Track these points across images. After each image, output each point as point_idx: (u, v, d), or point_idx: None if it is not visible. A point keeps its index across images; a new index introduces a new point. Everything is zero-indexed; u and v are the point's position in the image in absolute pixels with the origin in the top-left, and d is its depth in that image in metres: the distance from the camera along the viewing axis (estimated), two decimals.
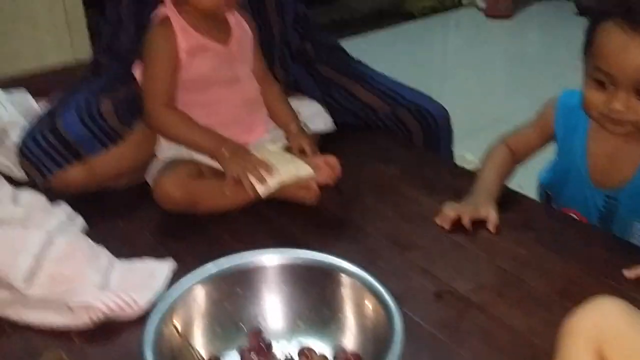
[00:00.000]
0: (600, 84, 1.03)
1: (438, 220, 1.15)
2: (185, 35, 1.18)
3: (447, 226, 1.14)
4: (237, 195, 1.21)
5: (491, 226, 1.13)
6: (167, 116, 1.20)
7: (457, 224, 1.14)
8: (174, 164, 1.21)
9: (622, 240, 1.12)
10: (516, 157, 1.25)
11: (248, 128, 1.29)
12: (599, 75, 1.02)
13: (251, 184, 1.17)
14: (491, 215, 1.13)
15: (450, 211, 1.15)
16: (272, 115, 1.33)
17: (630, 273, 1.02)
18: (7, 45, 2.31)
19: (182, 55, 1.18)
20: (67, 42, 2.41)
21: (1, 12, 2.30)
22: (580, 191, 1.17)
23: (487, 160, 1.24)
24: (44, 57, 2.22)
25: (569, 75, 3.35)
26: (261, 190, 1.17)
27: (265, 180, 1.17)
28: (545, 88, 3.04)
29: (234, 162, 1.18)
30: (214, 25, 1.22)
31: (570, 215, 1.20)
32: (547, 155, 1.28)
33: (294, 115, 1.32)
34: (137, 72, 1.25)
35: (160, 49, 1.18)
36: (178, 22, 1.18)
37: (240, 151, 1.20)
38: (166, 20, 1.18)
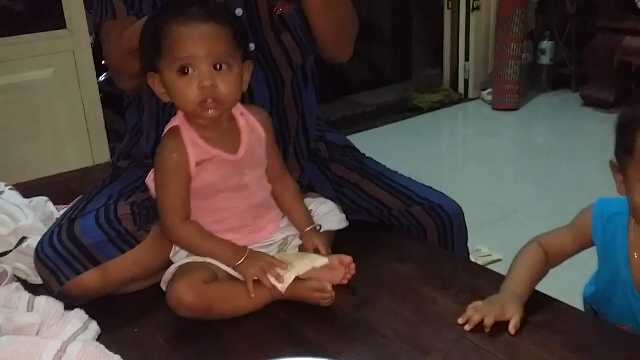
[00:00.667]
0: None
1: (461, 321, 1.13)
2: (195, 148, 1.20)
3: (468, 328, 1.11)
4: (252, 299, 1.20)
5: (511, 326, 1.09)
6: (185, 232, 1.22)
7: (480, 325, 1.12)
8: (188, 269, 1.21)
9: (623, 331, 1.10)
10: (549, 259, 1.20)
11: (256, 230, 1.29)
12: None
13: (270, 283, 1.18)
14: (515, 317, 1.10)
15: (475, 315, 1.12)
16: (287, 214, 1.34)
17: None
18: (30, 151, 2.38)
19: (192, 166, 1.20)
20: (87, 148, 2.48)
21: (23, 118, 2.39)
22: (627, 304, 1.12)
23: (518, 259, 1.20)
24: (65, 163, 2.28)
25: (578, 164, 3.41)
26: (280, 286, 1.18)
27: (281, 277, 1.18)
28: (555, 177, 3.10)
29: (251, 266, 1.20)
30: (224, 133, 1.23)
31: (599, 319, 1.16)
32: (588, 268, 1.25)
33: (309, 215, 1.33)
34: (150, 182, 1.28)
35: (171, 163, 1.20)
36: (188, 133, 1.20)
37: (256, 255, 1.22)
38: (176, 131, 1.20)
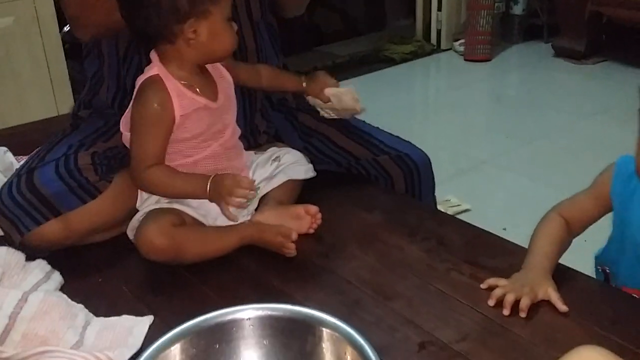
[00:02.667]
0: None
1: (491, 303, 1.05)
2: (180, 98, 1.18)
3: (507, 312, 1.02)
4: (221, 242, 1.21)
5: (558, 306, 1.02)
6: (153, 175, 1.19)
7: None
8: (156, 213, 1.20)
9: (615, 290, 1.09)
10: (571, 228, 1.12)
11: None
12: None
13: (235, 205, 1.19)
14: (552, 295, 1.03)
15: (509, 295, 1.03)
16: (277, 84, 1.43)
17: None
18: None
19: (177, 118, 1.18)
20: (50, 98, 2.42)
21: None
22: (638, 265, 1.06)
23: (539, 231, 1.12)
24: (28, 114, 2.22)
25: (549, 116, 3.43)
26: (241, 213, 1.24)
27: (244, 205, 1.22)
28: (526, 129, 3.11)
29: (217, 194, 1.18)
30: (203, 82, 1.22)
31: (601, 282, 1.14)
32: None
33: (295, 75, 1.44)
34: (123, 130, 1.24)
35: (155, 118, 1.17)
36: (171, 82, 1.17)
37: (219, 178, 1.18)
38: (158, 81, 1.17)
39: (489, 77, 3.87)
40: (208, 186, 1.18)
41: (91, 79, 1.45)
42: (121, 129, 1.26)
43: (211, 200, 1.20)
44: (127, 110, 1.24)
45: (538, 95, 3.55)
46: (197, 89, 1.20)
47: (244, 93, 1.37)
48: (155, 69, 1.19)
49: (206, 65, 1.24)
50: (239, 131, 1.31)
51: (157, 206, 1.23)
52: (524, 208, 2.46)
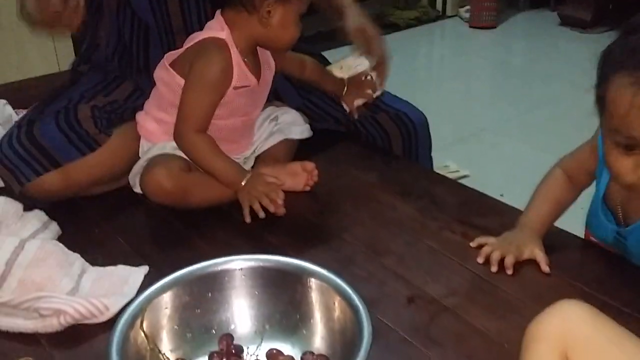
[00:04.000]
0: (625, 147, 0.85)
1: (480, 260, 1.06)
2: (239, 71, 1.20)
3: (494, 269, 1.04)
4: (222, 189, 1.23)
5: (542, 266, 1.03)
6: (199, 141, 1.20)
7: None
8: (164, 157, 1.22)
9: (606, 251, 1.10)
10: (574, 181, 1.09)
11: (238, 138, 1.32)
12: (619, 138, 0.84)
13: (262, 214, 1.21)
14: (538, 256, 1.04)
15: (495, 253, 1.05)
16: (319, 82, 1.43)
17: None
18: None
19: (230, 89, 1.20)
20: (51, 54, 2.41)
21: None
22: (600, 221, 1.04)
23: (538, 190, 1.10)
24: (29, 70, 2.22)
25: (552, 84, 3.40)
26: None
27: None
28: (528, 97, 3.10)
29: (248, 193, 1.21)
30: (253, 61, 1.24)
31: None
32: None
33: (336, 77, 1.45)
34: (166, 61, 1.24)
35: (216, 82, 1.18)
36: (235, 54, 1.19)
37: (256, 179, 1.21)
38: (225, 48, 1.18)
39: (494, 45, 3.83)
40: (245, 180, 1.20)
41: (91, 34, 1.45)
42: (165, 63, 1.24)
43: (238, 194, 1.22)
44: (177, 52, 1.23)
45: (542, 63, 3.52)
46: (250, 66, 1.22)
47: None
48: (223, 32, 1.19)
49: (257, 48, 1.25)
50: (257, 116, 1.34)
51: (163, 151, 1.24)
52: (523, 175, 2.44)
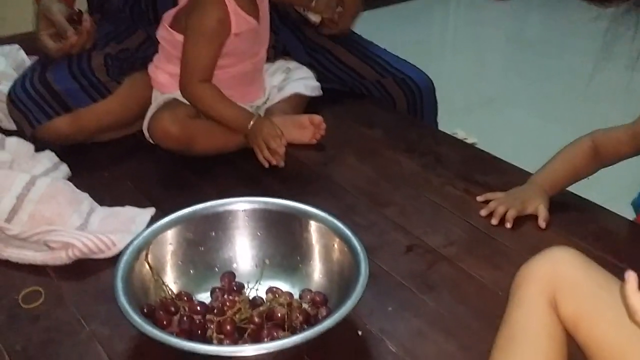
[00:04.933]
0: None
1: (483, 212, 1.08)
2: (237, 17, 1.20)
3: (495, 221, 1.06)
4: (229, 137, 1.25)
5: (541, 221, 1.04)
6: (203, 90, 1.22)
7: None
8: (172, 103, 1.24)
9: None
10: (600, 155, 1.08)
11: (248, 87, 1.33)
12: None
13: (264, 160, 1.23)
14: (540, 211, 1.05)
15: (499, 207, 1.07)
16: None
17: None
18: (8, 8, 2.31)
19: (231, 36, 1.21)
20: None
21: None
22: None
23: (561, 151, 1.10)
24: None
25: (567, 59, 3.38)
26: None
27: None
28: (541, 69, 3.09)
29: (256, 136, 1.22)
30: (252, 2, 1.24)
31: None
32: None
33: None
34: (165, 22, 1.25)
35: (214, 32, 1.19)
36: (230, 4, 1.19)
37: (261, 122, 1.23)
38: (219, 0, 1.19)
39: (509, 16, 3.81)
40: (251, 123, 1.22)
41: None
42: (164, 23, 1.26)
43: (246, 139, 1.24)
44: (176, 9, 1.25)
45: (557, 36, 3.50)
46: (248, 9, 1.23)
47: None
48: None
49: None
50: (264, 59, 1.34)
51: (173, 98, 1.26)
52: (531, 145, 2.46)
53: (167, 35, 1.26)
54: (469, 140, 2.47)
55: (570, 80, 2.99)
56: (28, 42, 1.68)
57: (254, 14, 1.24)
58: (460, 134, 2.49)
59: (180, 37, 1.23)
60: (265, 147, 1.22)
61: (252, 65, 1.31)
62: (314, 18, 1.45)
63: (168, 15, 1.27)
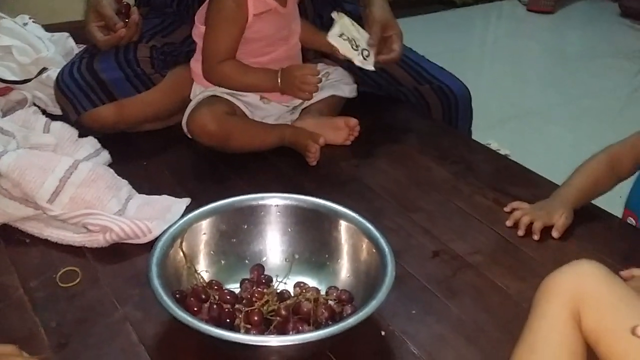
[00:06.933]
0: None
1: (509, 223, 1.10)
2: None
3: (521, 232, 1.08)
4: (264, 136, 1.28)
5: (554, 232, 1.07)
6: (224, 68, 1.25)
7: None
8: (210, 100, 1.27)
9: (635, 229, 1.11)
10: (618, 168, 1.11)
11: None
12: None
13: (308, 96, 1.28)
14: (561, 221, 1.07)
15: (524, 217, 1.09)
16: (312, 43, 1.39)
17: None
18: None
19: (250, 16, 1.23)
20: None
21: None
22: None
23: (581, 166, 1.13)
24: None
25: (605, 75, 3.35)
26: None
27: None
28: (580, 86, 3.07)
29: (288, 86, 1.26)
30: None
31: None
32: None
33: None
34: (198, 22, 1.30)
35: (230, 15, 1.22)
36: None
37: (287, 71, 1.26)
38: None
39: (550, 30, 3.78)
40: (279, 78, 1.25)
41: None
42: (196, 21, 1.31)
43: (282, 92, 1.27)
44: (203, 5, 1.29)
45: (597, 53, 3.46)
46: None
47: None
48: None
49: None
50: (299, 45, 1.37)
51: (212, 94, 1.29)
52: (564, 162, 2.44)
53: (197, 30, 1.30)
54: (502, 152, 2.48)
55: (608, 99, 2.96)
56: (77, 32, 1.74)
57: None
58: (494, 145, 2.50)
59: None
60: (304, 88, 1.25)
61: (285, 53, 1.33)
62: (367, 66, 1.33)
63: (200, 14, 1.30)
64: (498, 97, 2.92)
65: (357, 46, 1.29)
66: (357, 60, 1.29)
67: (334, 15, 1.30)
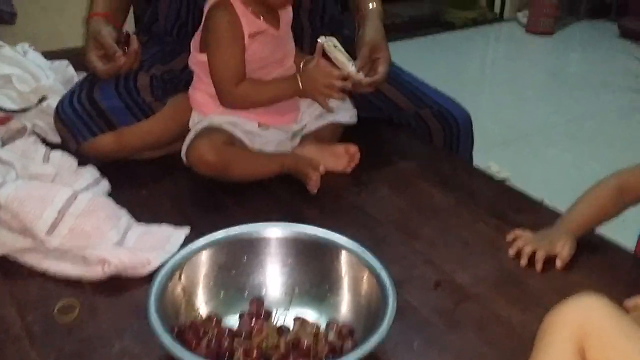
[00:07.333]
0: None
1: (511, 252, 1.08)
2: (247, 19, 1.23)
3: (524, 262, 1.06)
4: (264, 165, 1.28)
5: (558, 262, 1.05)
6: (241, 91, 1.25)
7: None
8: (209, 130, 1.27)
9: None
10: (625, 197, 1.08)
11: (283, 110, 1.34)
12: None
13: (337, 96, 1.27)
14: (562, 252, 1.05)
15: (527, 247, 1.07)
16: None
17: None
18: (58, 22, 2.40)
19: (246, 38, 1.23)
20: None
21: None
22: None
23: (586, 193, 1.10)
24: None
25: (605, 96, 3.37)
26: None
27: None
28: (579, 107, 3.07)
29: (313, 89, 1.26)
30: (267, 10, 1.27)
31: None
32: None
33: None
34: (194, 50, 1.30)
35: (227, 35, 1.22)
36: (238, 6, 1.23)
37: (307, 74, 1.26)
38: (227, 3, 1.22)
39: (549, 52, 3.80)
40: (300, 84, 1.26)
41: (152, 9, 1.51)
42: (192, 49, 1.31)
43: (304, 96, 1.28)
44: (196, 33, 1.29)
45: (597, 74, 3.48)
46: (261, 17, 1.25)
47: (294, 32, 1.40)
48: None
49: None
50: (294, 67, 1.36)
51: (208, 125, 1.28)
52: (565, 183, 2.45)
53: (193, 58, 1.31)
54: (502, 175, 2.48)
55: (608, 120, 2.97)
56: (77, 57, 1.75)
57: (270, 21, 1.27)
58: (494, 168, 2.50)
59: (204, 57, 1.26)
60: (327, 92, 1.25)
61: (280, 76, 1.32)
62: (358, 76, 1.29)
63: (195, 41, 1.31)
64: (497, 118, 2.93)
65: (348, 59, 1.28)
66: (349, 66, 1.27)
67: (321, 38, 1.29)
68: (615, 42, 3.81)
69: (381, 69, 1.33)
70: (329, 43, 1.28)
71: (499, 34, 4.07)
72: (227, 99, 1.27)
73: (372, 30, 1.38)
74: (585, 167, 2.46)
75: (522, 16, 3.98)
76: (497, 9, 4.12)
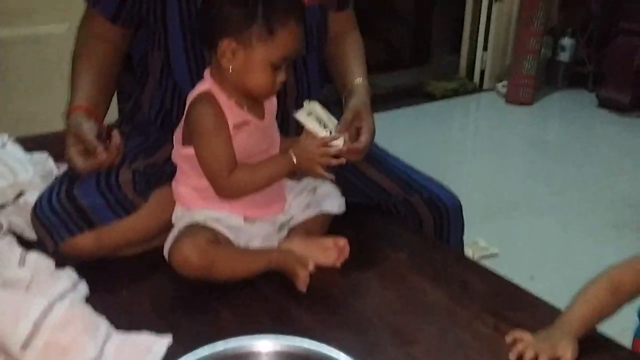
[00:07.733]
0: None
1: (512, 357, 1.04)
2: (231, 111, 1.21)
3: None
4: (250, 263, 1.24)
5: None
6: (236, 179, 1.22)
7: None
8: (192, 229, 1.23)
9: None
10: (621, 293, 1.07)
11: (269, 201, 1.31)
12: None
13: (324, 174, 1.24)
14: (566, 355, 1.02)
15: (529, 352, 1.03)
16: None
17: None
18: (40, 105, 2.37)
19: (231, 129, 1.21)
20: None
21: (35, 72, 2.37)
22: None
23: (583, 291, 1.09)
24: None
25: (586, 165, 3.40)
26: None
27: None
28: (563, 176, 3.08)
29: (306, 162, 1.23)
30: (251, 101, 1.25)
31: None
32: None
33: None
34: (177, 144, 1.28)
35: (214, 125, 1.20)
36: (221, 97, 1.21)
37: (300, 147, 1.23)
38: (209, 96, 1.21)
39: (529, 122, 3.85)
40: (294, 159, 1.22)
41: (135, 97, 1.49)
42: (175, 143, 1.29)
43: (301, 170, 1.25)
44: (178, 127, 1.27)
45: (577, 144, 3.52)
46: (245, 107, 1.24)
47: (279, 119, 1.39)
48: (206, 84, 1.23)
49: None
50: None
51: (191, 221, 1.24)
52: (554, 257, 2.42)
53: (176, 152, 1.28)
54: (491, 251, 2.45)
55: (592, 190, 2.98)
56: (57, 145, 1.71)
57: (254, 111, 1.25)
58: (482, 244, 2.47)
59: (188, 150, 1.24)
60: (324, 162, 1.22)
61: None
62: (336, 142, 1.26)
63: (177, 135, 1.28)
64: (482, 191, 2.92)
65: (325, 126, 1.25)
66: (322, 132, 1.24)
67: (305, 102, 1.28)
68: (593, 111, 3.88)
69: (363, 138, 1.31)
70: (301, 113, 1.25)
71: (479, 104, 4.13)
72: (223, 191, 1.24)
73: (357, 99, 1.37)
74: (573, 239, 2.44)
75: (502, 86, 4.04)
76: (476, 79, 4.19)
